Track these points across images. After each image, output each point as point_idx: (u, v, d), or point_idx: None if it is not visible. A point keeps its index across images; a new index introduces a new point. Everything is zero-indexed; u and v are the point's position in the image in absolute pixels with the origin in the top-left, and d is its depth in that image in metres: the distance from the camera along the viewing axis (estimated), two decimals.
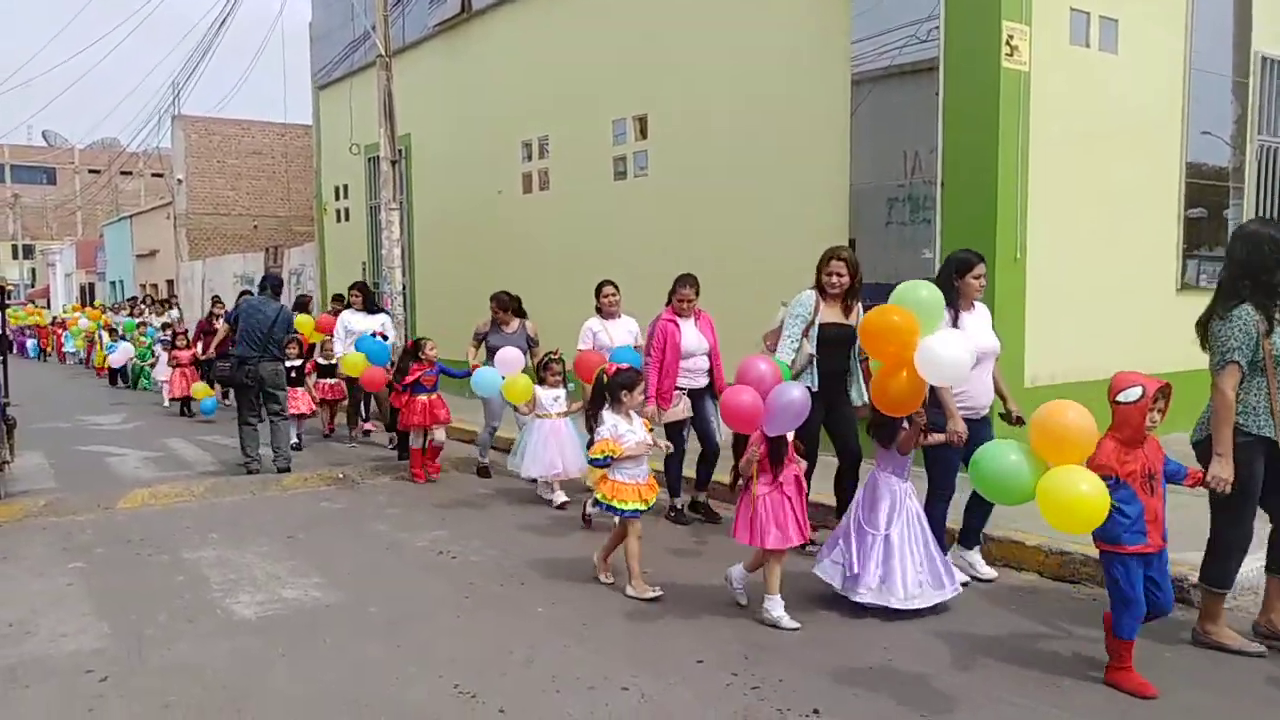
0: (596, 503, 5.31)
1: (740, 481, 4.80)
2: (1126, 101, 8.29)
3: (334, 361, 10.28)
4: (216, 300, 14.84)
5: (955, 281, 5.14)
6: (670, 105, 10.43)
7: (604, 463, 5.13)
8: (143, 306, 21.01)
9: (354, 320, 10.12)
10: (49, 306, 41.91)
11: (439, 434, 8.37)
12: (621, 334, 7.40)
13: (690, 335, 6.61)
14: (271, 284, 9.44)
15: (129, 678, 4.10)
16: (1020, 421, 5.07)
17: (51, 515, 7.31)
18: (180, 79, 46.51)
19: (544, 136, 12.58)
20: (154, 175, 43.34)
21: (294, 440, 9.93)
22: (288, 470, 8.76)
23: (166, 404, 14.66)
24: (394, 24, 13.40)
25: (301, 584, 5.42)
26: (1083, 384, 7.72)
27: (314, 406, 10.53)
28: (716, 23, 9.73)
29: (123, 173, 43.55)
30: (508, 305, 8.41)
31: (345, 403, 10.86)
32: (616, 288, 7.55)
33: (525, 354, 7.87)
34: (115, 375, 18.49)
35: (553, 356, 7.44)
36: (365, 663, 4.23)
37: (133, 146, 36.80)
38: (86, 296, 41.17)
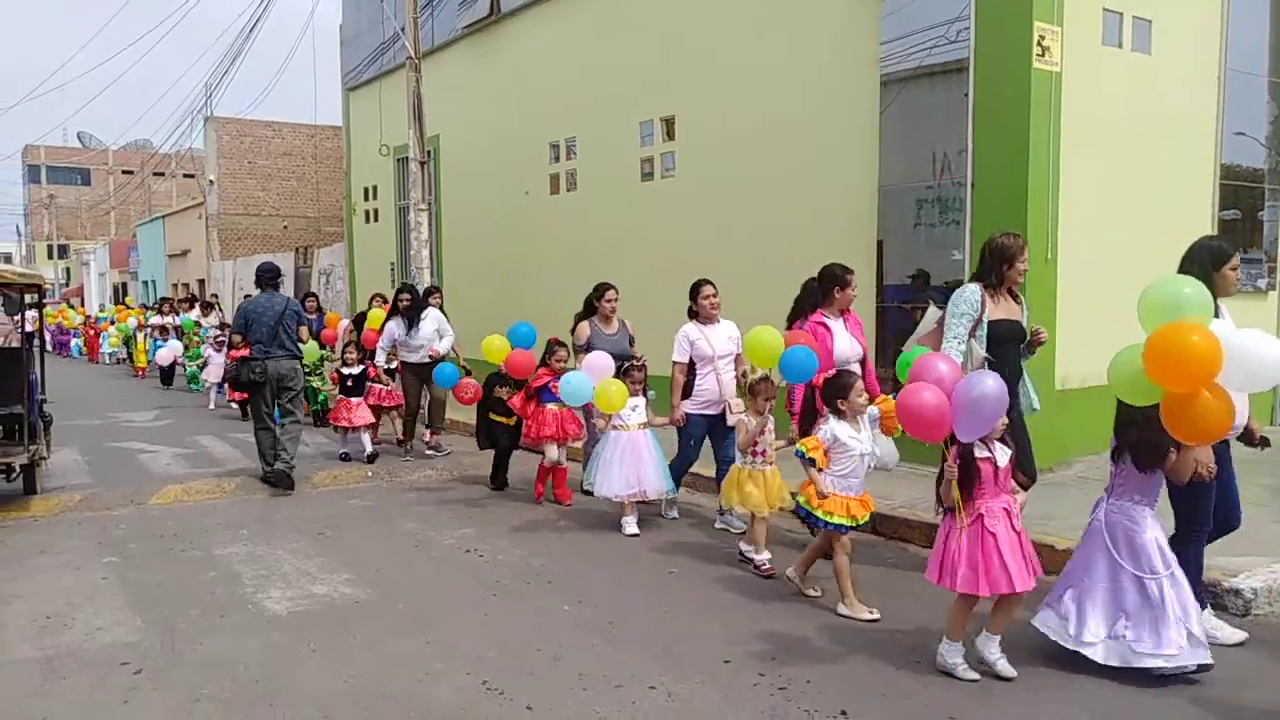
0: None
1: (941, 509, 4.09)
2: (1160, 103, 8.20)
3: (392, 366, 9.65)
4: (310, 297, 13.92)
5: (1212, 274, 4.41)
6: (698, 106, 10.43)
7: (802, 455, 4.70)
8: (178, 305, 20.52)
9: (398, 331, 9.40)
10: (83, 304, 42.50)
11: (553, 452, 7.39)
12: (723, 341, 6.50)
13: (843, 340, 5.74)
14: (267, 276, 8.48)
15: (163, 671, 4.16)
16: (1265, 443, 4.34)
17: (86, 510, 7.43)
18: (212, 81, 47.18)
19: (571, 138, 12.62)
20: (186, 176, 43.89)
21: (369, 450, 9.22)
22: (288, 478, 7.98)
23: (212, 406, 14.30)
24: (423, 26, 13.50)
25: (331, 580, 5.47)
26: None
27: (372, 417, 9.49)
28: (744, 23, 9.72)
29: (155, 174, 44.16)
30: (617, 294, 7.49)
31: (400, 410, 9.87)
32: (716, 288, 6.64)
33: (628, 355, 7.24)
34: (166, 374, 18.04)
35: (635, 363, 6.79)
36: (394, 658, 4.27)
37: (165, 148, 37.33)
38: (119, 296, 41.74)
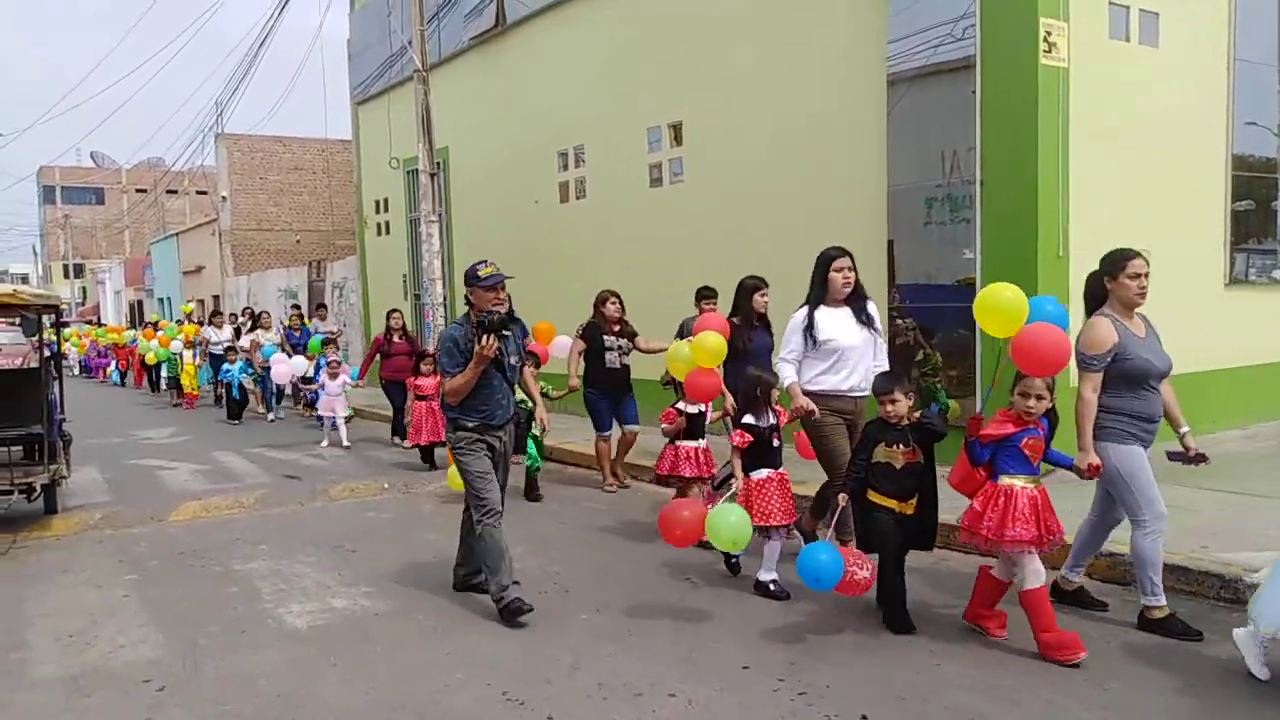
0: None
1: None
2: (1169, 95, 8.16)
3: (700, 409, 6.32)
4: (393, 312, 11.59)
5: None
6: (706, 111, 10.45)
7: None
8: (242, 319, 17.67)
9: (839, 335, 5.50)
10: (99, 323, 42.84)
11: (1036, 567, 4.19)
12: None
13: None
14: (489, 282, 5.11)
15: (185, 687, 4.19)
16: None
17: (107, 528, 7.49)
18: (223, 98, 47.50)
19: (580, 146, 12.66)
20: (199, 193, 44.21)
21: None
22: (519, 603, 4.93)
23: (328, 443, 11.49)
24: (430, 38, 13.57)
25: (351, 593, 5.50)
26: None
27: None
28: (750, 26, 9.73)
29: (168, 191, 44.51)
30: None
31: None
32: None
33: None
34: (236, 407, 14.69)
35: None
36: (415, 670, 4.28)
37: (178, 165, 37.62)
38: (136, 314, 42.07)
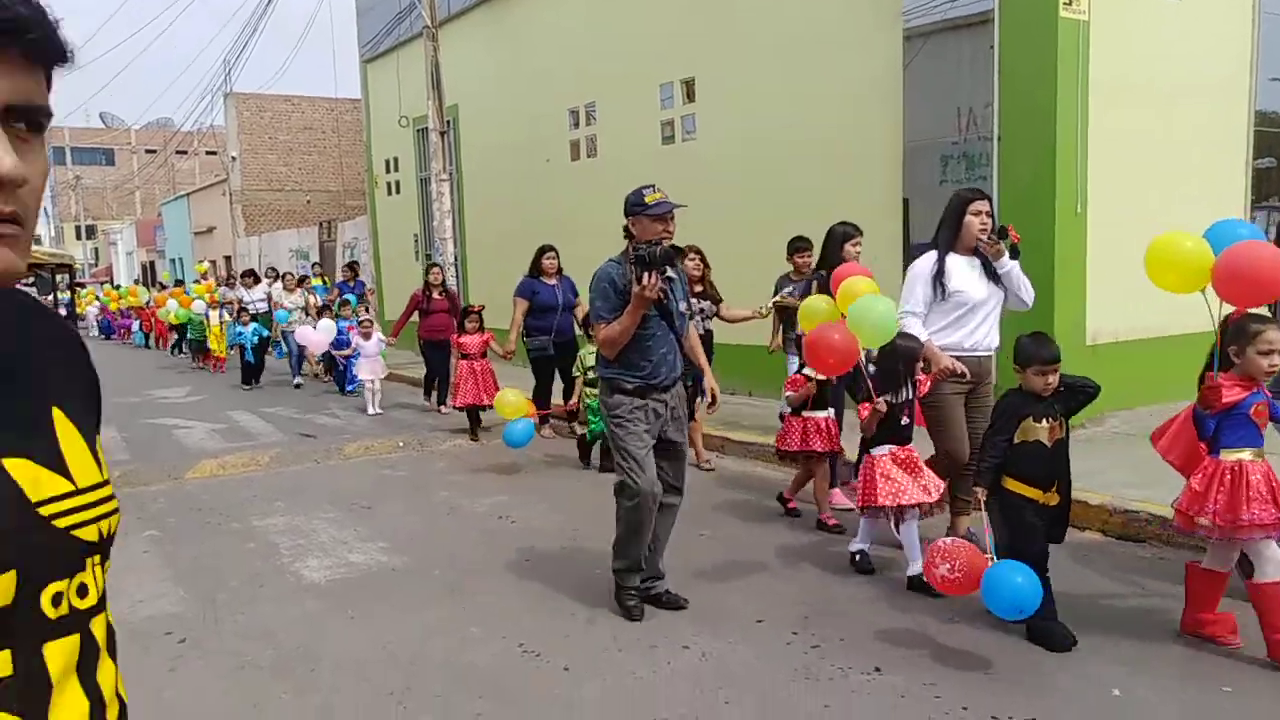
0: None
1: None
2: (1191, 49, 8.02)
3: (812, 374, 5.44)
4: (433, 266, 10.94)
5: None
6: (718, 67, 10.32)
7: None
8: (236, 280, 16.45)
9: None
10: (112, 284, 42.91)
11: None
12: None
13: None
14: (659, 209, 4.33)
15: (206, 640, 4.25)
16: None
17: (125, 486, 7.55)
18: (231, 57, 47.21)
19: (590, 103, 12.54)
20: (208, 153, 44.07)
21: (915, 569, 4.46)
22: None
23: (376, 409, 10.76)
24: None
25: (367, 549, 5.55)
26: (1146, 340, 7.57)
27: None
28: None
29: (178, 152, 44.37)
30: None
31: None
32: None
33: None
34: (253, 370, 14.12)
35: None
36: (432, 624, 4.33)
37: (187, 125, 37.51)
38: (147, 274, 42.16)
